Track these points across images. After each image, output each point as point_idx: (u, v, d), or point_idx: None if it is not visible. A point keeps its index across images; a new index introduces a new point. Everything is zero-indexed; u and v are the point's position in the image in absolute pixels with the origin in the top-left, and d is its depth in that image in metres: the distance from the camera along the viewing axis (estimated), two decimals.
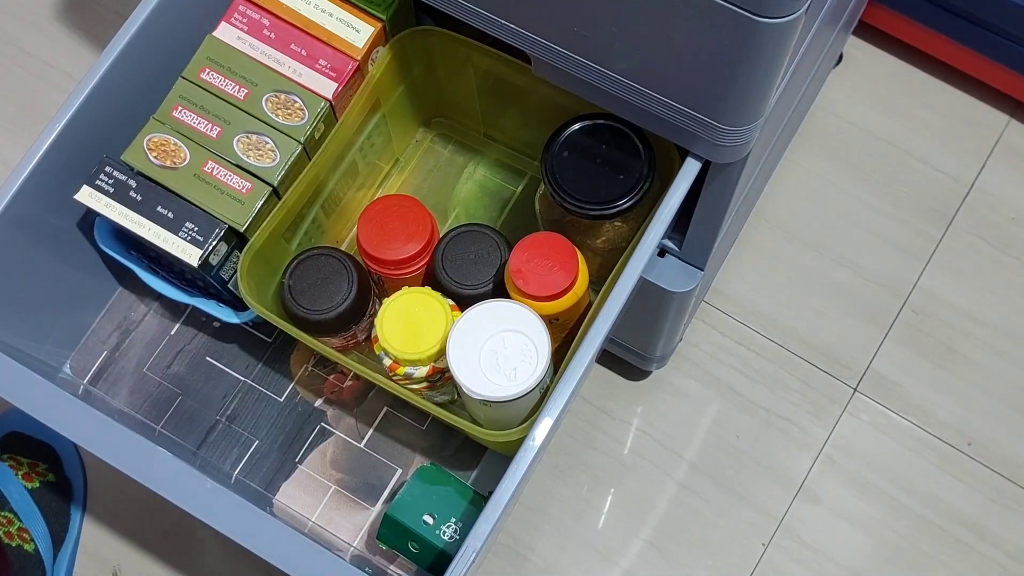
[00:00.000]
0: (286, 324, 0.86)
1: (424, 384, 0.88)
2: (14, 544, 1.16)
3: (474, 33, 0.83)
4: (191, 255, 0.85)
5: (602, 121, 0.88)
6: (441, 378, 0.89)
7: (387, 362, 0.87)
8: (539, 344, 0.81)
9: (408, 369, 0.86)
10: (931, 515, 1.27)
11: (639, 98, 0.76)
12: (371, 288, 0.92)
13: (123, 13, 0.88)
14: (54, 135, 0.88)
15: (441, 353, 0.85)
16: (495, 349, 0.82)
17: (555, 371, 0.84)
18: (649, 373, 1.32)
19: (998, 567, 1.25)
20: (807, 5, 0.63)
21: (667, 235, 0.94)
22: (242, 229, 0.87)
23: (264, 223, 0.87)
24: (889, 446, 1.30)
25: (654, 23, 0.69)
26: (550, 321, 0.86)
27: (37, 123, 0.91)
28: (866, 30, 1.42)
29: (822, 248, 1.37)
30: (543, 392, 0.83)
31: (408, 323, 0.85)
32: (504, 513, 0.76)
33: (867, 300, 1.35)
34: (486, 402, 0.81)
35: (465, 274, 0.89)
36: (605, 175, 0.87)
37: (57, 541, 1.21)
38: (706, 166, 0.82)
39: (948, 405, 1.31)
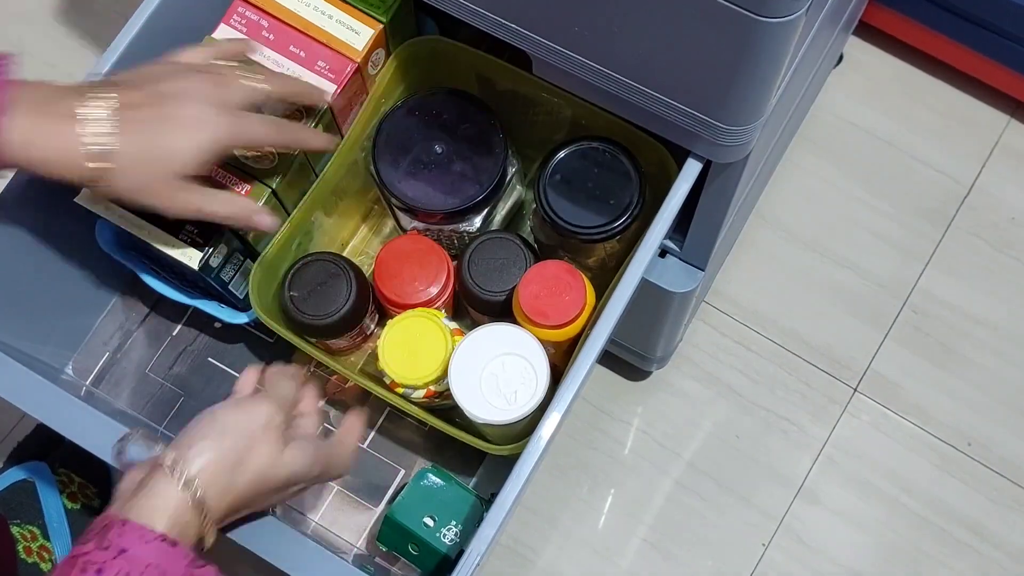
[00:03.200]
0: (291, 334, 0.87)
1: (423, 402, 0.90)
2: (30, 561, 1.15)
3: (476, 33, 0.83)
4: (191, 257, 0.85)
5: (594, 144, 0.89)
6: (440, 397, 0.90)
7: (387, 379, 0.88)
8: (537, 367, 0.83)
9: (407, 390, 0.88)
10: (931, 515, 1.27)
11: (640, 98, 0.76)
12: (370, 286, 0.93)
13: (124, 14, 0.88)
14: None
15: (439, 378, 0.87)
16: (495, 373, 0.83)
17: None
18: (649, 373, 1.32)
19: (998, 567, 1.25)
20: (808, 5, 0.63)
21: (668, 235, 0.94)
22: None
23: (275, 239, 0.88)
24: (889, 446, 1.30)
25: (656, 23, 0.69)
26: (575, 341, 0.87)
27: None
28: (866, 30, 1.42)
29: (822, 248, 1.38)
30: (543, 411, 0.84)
31: (409, 347, 0.87)
32: (508, 516, 0.76)
33: (867, 300, 1.35)
34: (487, 424, 0.83)
35: (490, 279, 0.90)
36: (596, 199, 0.88)
37: None
38: (707, 166, 0.82)
39: (948, 405, 1.31)
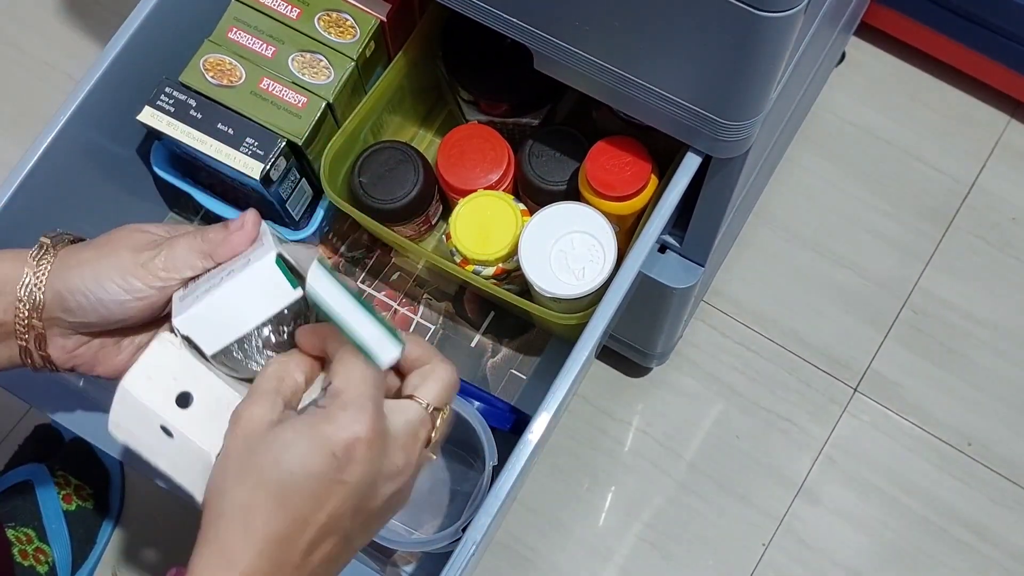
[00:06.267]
0: (363, 216, 0.90)
1: (492, 281, 0.92)
2: (26, 564, 1.15)
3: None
4: (253, 169, 0.87)
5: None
6: (508, 277, 0.93)
7: (457, 259, 0.92)
8: (605, 244, 0.87)
9: (477, 267, 0.91)
10: (931, 515, 1.27)
11: (640, 93, 0.76)
12: (435, 175, 0.96)
13: (123, 14, 0.88)
14: (108, 61, 0.87)
15: (509, 255, 0.90)
16: (564, 250, 0.87)
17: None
18: (649, 370, 1.32)
19: (998, 567, 1.25)
20: (807, 1, 0.64)
21: (668, 231, 0.94)
22: (300, 142, 0.88)
23: (343, 128, 0.91)
24: (889, 446, 1.30)
25: (656, 18, 0.69)
26: (638, 218, 0.90)
27: (37, 124, 0.91)
28: (867, 30, 1.42)
29: (822, 248, 1.37)
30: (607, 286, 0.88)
31: (480, 225, 0.91)
32: (504, 505, 0.76)
33: (867, 300, 1.35)
34: (556, 299, 0.86)
35: (550, 170, 0.93)
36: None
37: (76, 566, 1.20)
38: (707, 161, 0.82)
39: (948, 405, 1.31)
